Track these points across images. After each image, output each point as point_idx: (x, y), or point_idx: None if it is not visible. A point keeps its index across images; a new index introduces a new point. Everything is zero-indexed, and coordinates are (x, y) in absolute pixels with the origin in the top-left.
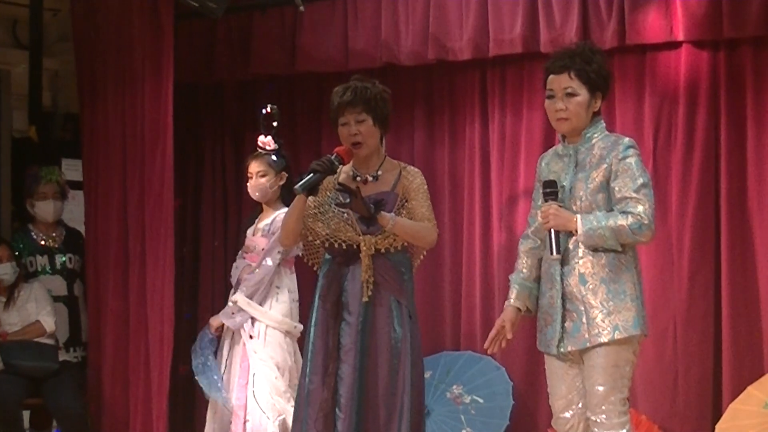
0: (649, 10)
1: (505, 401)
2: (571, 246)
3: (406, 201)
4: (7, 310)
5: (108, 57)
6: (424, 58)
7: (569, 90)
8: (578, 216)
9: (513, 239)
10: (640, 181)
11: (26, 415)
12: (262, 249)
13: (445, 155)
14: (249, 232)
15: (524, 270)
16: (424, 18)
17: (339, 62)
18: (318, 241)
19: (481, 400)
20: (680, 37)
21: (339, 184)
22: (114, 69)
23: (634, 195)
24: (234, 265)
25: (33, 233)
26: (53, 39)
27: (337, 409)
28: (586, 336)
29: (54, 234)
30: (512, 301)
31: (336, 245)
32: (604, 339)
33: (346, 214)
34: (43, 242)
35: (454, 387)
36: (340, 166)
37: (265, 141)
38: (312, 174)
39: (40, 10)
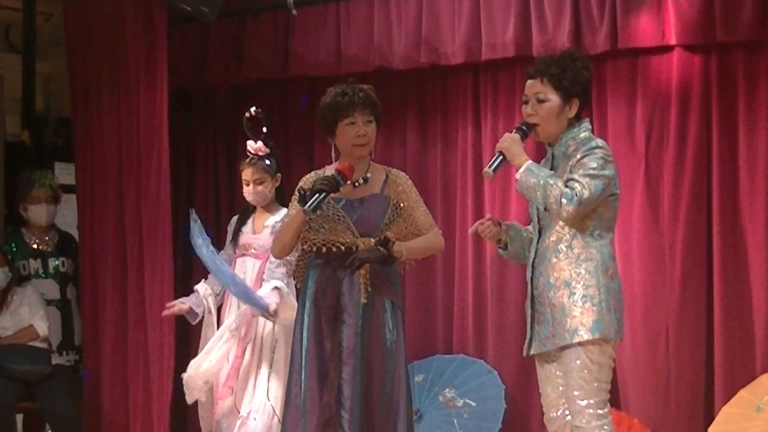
0: (641, 14)
1: (497, 404)
2: (542, 250)
3: (399, 204)
4: (0, 315)
5: (101, 61)
6: (417, 62)
7: (540, 96)
8: (529, 160)
9: None
10: (591, 171)
11: (19, 419)
12: None
13: (437, 159)
14: (246, 230)
15: (526, 228)
16: (416, 22)
17: (332, 66)
18: (315, 248)
19: (473, 404)
20: (672, 41)
21: (340, 178)
22: (107, 73)
23: (579, 179)
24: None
25: (26, 237)
26: (46, 43)
27: (342, 411)
28: (551, 339)
29: (47, 238)
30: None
31: (334, 249)
32: (563, 342)
33: (341, 217)
34: (36, 246)
35: (447, 390)
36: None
37: (257, 147)
38: (319, 194)
39: (33, 15)
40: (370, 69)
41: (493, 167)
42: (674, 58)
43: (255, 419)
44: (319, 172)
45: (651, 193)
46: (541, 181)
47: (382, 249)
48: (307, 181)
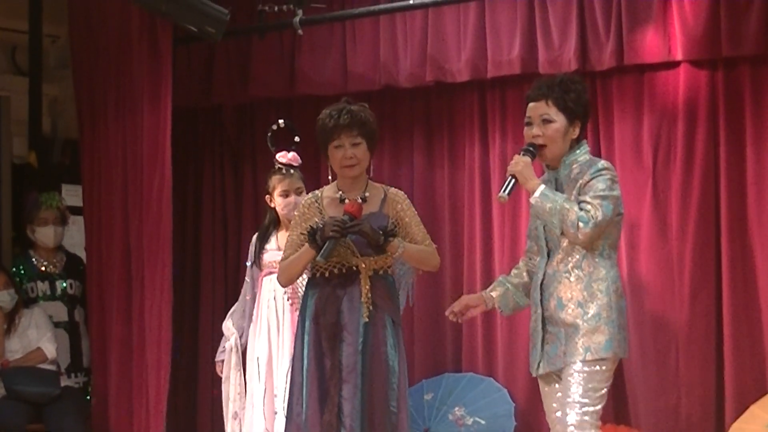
0: (647, 29)
1: (507, 422)
2: (551, 271)
3: (398, 222)
4: (8, 337)
5: (107, 82)
6: (423, 80)
7: (546, 117)
8: (542, 185)
9: (514, 262)
10: (602, 193)
11: None
12: None
13: (444, 177)
14: (270, 247)
15: (512, 272)
16: (422, 40)
17: (338, 85)
18: (318, 274)
19: (483, 422)
20: (678, 56)
21: (350, 220)
22: (113, 94)
23: (591, 201)
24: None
25: (33, 259)
26: (52, 65)
27: (342, 430)
28: (562, 357)
29: (54, 260)
30: (485, 290)
31: (336, 271)
32: (576, 359)
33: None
34: (43, 268)
35: (456, 409)
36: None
37: (291, 157)
38: (329, 241)
39: (40, 37)
40: (377, 87)
41: (506, 191)
42: (680, 74)
43: None
44: (317, 192)
45: (659, 209)
46: (557, 206)
47: (382, 234)
48: (306, 205)
